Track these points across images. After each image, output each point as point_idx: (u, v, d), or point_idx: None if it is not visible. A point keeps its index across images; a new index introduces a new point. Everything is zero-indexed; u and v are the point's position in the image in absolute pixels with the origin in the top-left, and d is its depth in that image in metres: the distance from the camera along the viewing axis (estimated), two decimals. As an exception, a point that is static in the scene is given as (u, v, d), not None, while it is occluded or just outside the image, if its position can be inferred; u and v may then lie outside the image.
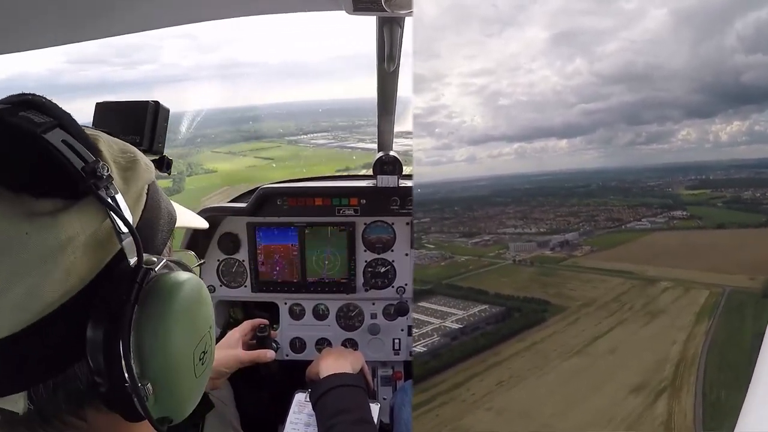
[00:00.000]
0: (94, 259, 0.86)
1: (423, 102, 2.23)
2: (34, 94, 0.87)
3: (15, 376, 0.83)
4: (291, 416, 2.63)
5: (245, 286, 3.42)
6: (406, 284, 3.34)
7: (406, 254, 3.36)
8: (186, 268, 1.02)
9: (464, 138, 2.88)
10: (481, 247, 2.82)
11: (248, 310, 3.72)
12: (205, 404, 2.01)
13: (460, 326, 2.38)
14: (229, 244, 3.37)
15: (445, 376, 2.12)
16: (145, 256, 0.90)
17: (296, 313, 3.48)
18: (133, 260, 0.88)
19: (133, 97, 1.30)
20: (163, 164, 1.31)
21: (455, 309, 2.46)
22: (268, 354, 2.66)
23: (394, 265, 3.36)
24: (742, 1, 2.76)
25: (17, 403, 0.84)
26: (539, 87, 2.92)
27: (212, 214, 3.31)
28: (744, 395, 1.03)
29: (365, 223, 3.32)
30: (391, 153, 3.23)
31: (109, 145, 0.97)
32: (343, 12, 1.96)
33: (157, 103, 1.28)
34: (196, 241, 3.29)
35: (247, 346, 2.74)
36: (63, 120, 0.85)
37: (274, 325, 3.46)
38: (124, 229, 0.87)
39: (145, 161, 1.04)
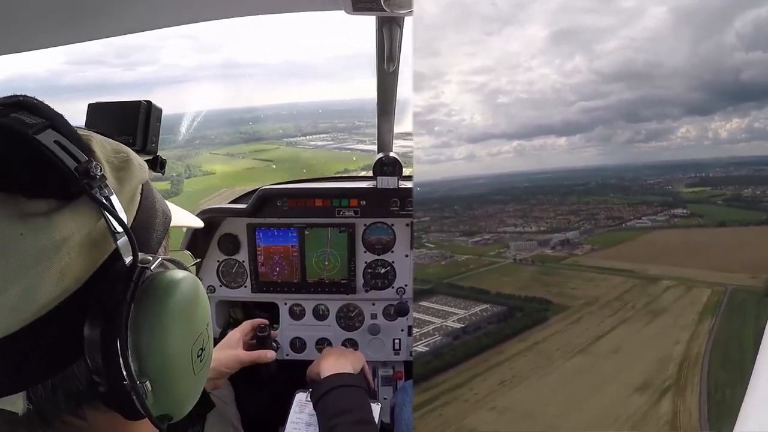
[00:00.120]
0: (89, 260, 0.86)
1: (422, 100, 2.22)
2: (25, 96, 0.86)
3: (13, 377, 0.83)
4: (292, 416, 2.63)
5: (245, 287, 3.42)
6: (406, 285, 3.34)
7: (406, 255, 3.35)
8: (182, 267, 1.02)
9: (463, 136, 2.87)
10: (481, 246, 2.80)
11: (248, 310, 3.71)
12: (206, 404, 2.02)
13: (462, 325, 2.36)
14: (229, 244, 3.37)
15: (448, 376, 2.10)
16: (141, 255, 0.90)
17: (296, 314, 3.48)
18: (128, 259, 0.88)
19: (132, 98, 1.29)
20: (157, 164, 1.30)
21: (457, 308, 2.44)
22: (269, 354, 2.66)
23: (393, 266, 3.35)
24: (741, -2, 2.75)
25: (16, 403, 0.83)
26: (539, 85, 2.91)
27: (212, 215, 3.30)
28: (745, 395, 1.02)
29: (365, 224, 3.32)
30: (391, 154, 3.22)
31: (102, 145, 0.97)
32: (343, 12, 1.95)
33: (149, 102, 1.28)
34: (196, 241, 3.28)
35: (248, 346, 2.74)
36: (55, 121, 0.85)
37: (275, 325, 3.45)
38: (119, 229, 0.87)
39: (139, 161, 1.04)
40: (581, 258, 2.63)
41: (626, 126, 2.95)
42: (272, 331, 2.97)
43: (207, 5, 2.05)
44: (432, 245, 2.76)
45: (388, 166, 3.19)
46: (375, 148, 3.38)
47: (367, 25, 2.34)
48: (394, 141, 3.32)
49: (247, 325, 2.81)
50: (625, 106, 2.91)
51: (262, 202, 3.25)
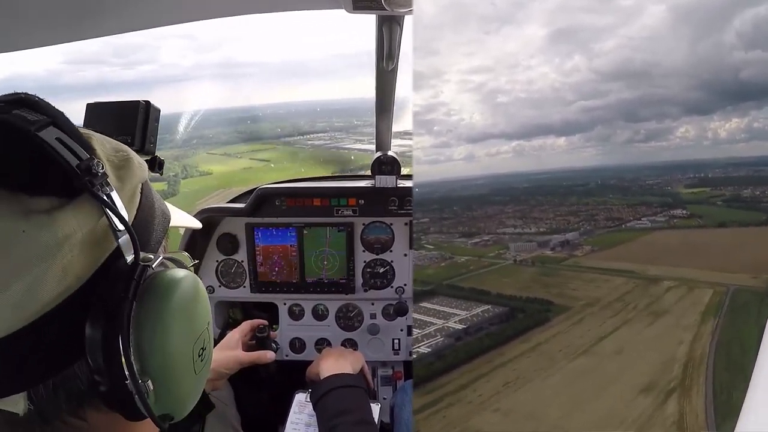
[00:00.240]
0: (91, 257, 0.85)
1: (421, 99, 2.21)
2: (26, 93, 0.86)
3: (14, 377, 0.82)
4: (291, 416, 2.62)
5: (244, 287, 3.40)
6: (405, 284, 3.32)
7: (405, 254, 3.33)
8: (182, 266, 1.01)
9: (463, 136, 2.86)
10: (480, 247, 2.79)
11: (247, 310, 3.69)
12: (206, 405, 1.97)
13: (464, 327, 2.35)
14: (228, 244, 3.35)
15: (451, 377, 2.09)
16: (142, 253, 0.89)
17: (295, 314, 3.46)
18: (129, 258, 0.87)
19: (131, 97, 1.28)
20: (155, 164, 1.29)
21: (458, 309, 2.43)
22: (268, 355, 2.65)
23: (392, 265, 3.34)
24: (740, -3, 2.74)
25: (17, 404, 0.83)
26: (538, 84, 2.90)
27: (210, 215, 3.28)
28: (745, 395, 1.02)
29: (364, 224, 3.30)
30: (390, 153, 3.20)
31: (102, 144, 0.97)
32: (343, 10, 1.94)
33: (147, 102, 1.27)
34: (195, 241, 3.26)
35: (247, 347, 2.73)
36: (56, 118, 0.85)
37: (274, 326, 3.44)
38: (120, 227, 0.86)
39: (139, 160, 1.03)
40: (581, 259, 2.62)
41: (625, 126, 2.94)
42: (271, 332, 2.96)
43: (207, 4, 2.03)
44: (431, 246, 2.75)
45: (387, 165, 3.17)
46: (372, 147, 3.36)
47: (366, 23, 2.33)
48: (392, 140, 3.31)
49: (246, 326, 2.80)
50: (624, 106, 2.90)
51: (261, 202, 3.23)
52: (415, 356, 2.52)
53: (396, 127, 3.24)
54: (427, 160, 2.56)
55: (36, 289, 0.78)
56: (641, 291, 2.39)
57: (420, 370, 2.19)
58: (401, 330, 3.41)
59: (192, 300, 0.95)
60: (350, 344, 3.44)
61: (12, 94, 0.86)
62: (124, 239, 0.87)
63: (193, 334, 0.96)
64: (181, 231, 3.23)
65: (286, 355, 3.48)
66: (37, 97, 0.86)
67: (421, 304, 2.51)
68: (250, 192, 3.33)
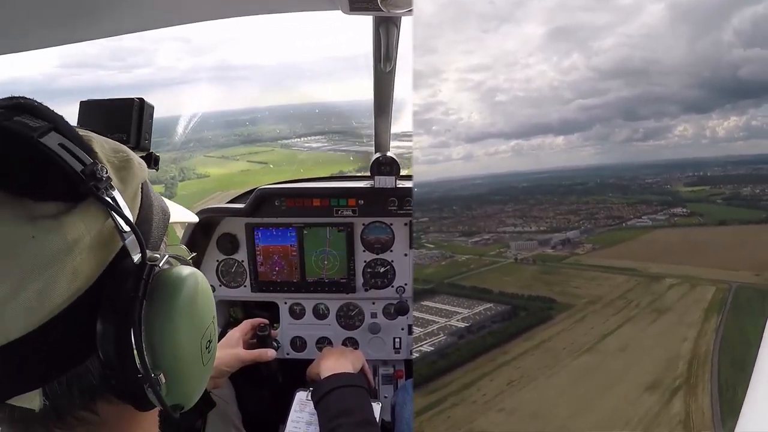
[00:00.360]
0: (98, 259, 0.87)
1: (420, 99, 2.19)
2: (24, 98, 0.87)
3: (30, 375, 0.84)
4: (292, 414, 2.61)
5: (245, 286, 3.38)
6: (405, 284, 3.31)
7: (405, 254, 3.32)
8: (185, 263, 1.05)
9: (461, 135, 2.85)
10: (481, 246, 2.78)
11: (248, 309, 3.68)
12: (207, 403, 2.02)
13: (466, 325, 2.33)
14: (228, 244, 3.33)
15: (454, 376, 2.07)
16: (148, 252, 0.92)
17: (296, 313, 3.44)
18: (136, 257, 0.90)
19: (128, 100, 1.28)
20: (151, 160, 1.29)
21: (460, 308, 2.41)
22: (269, 353, 2.64)
23: (393, 265, 3.32)
24: (739, -5, 2.74)
25: (33, 400, 0.85)
26: (536, 83, 2.88)
27: (210, 215, 3.27)
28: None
29: (363, 224, 3.29)
30: (389, 154, 3.19)
31: (102, 146, 0.97)
32: (339, 12, 1.93)
33: (141, 100, 1.27)
34: (195, 241, 3.24)
35: (248, 345, 2.72)
36: (57, 123, 0.86)
37: (275, 325, 3.42)
38: (126, 228, 0.89)
39: (138, 160, 1.05)
40: (583, 257, 2.60)
41: (624, 124, 2.92)
42: (272, 331, 2.95)
43: (204, 6, 2.01)
44: (432, 245, 2.73)
45: (386, 165, 3.16)
46: (369, 149, 3.35)
47: (363, 25, 2.31)
48: (390, 141, 3.30)
49: (246, 325, 2.79)
50: (623, 104, 2.88)
51: (260, 202, 3.21)
52: (417, 355, 2.50)
53: (393, 129, 3.23)
54: (426, 160, 2.54)
55: (48, 292, 0.80)
56: (643, 288, 2.37)
57: (422, 369, 2.17)
58: (402, 329, 3.40)
59: (198, 295, 0.98)
60: (351, 343, 3.43)
61: (10, 98, 0.86)
62: (131, 240, 0.89)
63: (201, 328, 0.99)
64: (179, 233, 3.21)
65: (287, 354, 3.46)
66: (36, 101, 0.87)
67: (422, 303, 2.49)
68: (250, 192, 3.32)
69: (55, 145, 0.82)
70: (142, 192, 1.02)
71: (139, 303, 0.87)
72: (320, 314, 3.43)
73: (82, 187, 0.83)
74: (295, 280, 3.32)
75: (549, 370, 2.07)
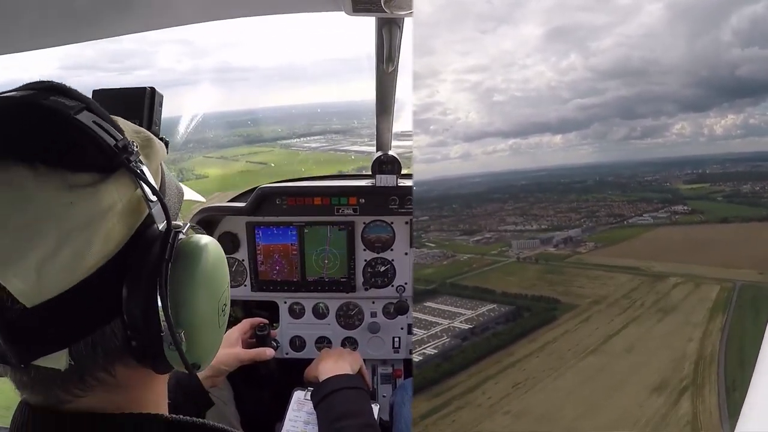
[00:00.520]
0: (128, 225, 0.92)
1: (417, 99, 2.17)
2: (54, 81, 0.92)
3: (60, 334, 0.88)
4: (290, 413, 2.56)
5: (245, 286, 3.34)
6: (405, 283, 3.26)
7: (406, 253, 3.27)
8: (202, 233, 1.09)
9: (459, 134, 2.83)
10: (482, 244, 2.75)
11: (248, 309, 3.63)
12: (205, 402, 2.04)
13: (470, 326, 2.29)
14: (229, 243, 3.28)
15: (459, 379, 2.03)
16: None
17: (296, 312, 3.40)
18: (162, 225, 0.96)
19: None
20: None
21: (463, 308, 2.38)
22: (267, 352, 2.59)
23: (393, 264, 3.28)
24: (736, -5, 2.71)
25: (60, 360, 0.88)
26: (534, 83, 2.86)
27: (211, 214, 3.22)
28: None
29: (364, 223, 3.24)
30: (390, 152, 3.15)
31: (125, 126, 1.03)
32: (343, 13, 1.89)
33: (153, 89, 1.32)
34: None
35: (247, 345, 2.67)
36: (89, 103, 0.92)
37: (274, 324, 3.38)
38: (153, 198, 0.94)
39: (157, 140, 1.10)
40: (585, 256, 2.58)
41: (622, 123, 2.90)
42: (272, 330, 2.90)
43: (207, 7, 1.97)
44: (432, 244, 2.70)
45: (387, 164, 3.11)
46: (369, 149, 3.32)
47: (367, 26, 2.28)
48: (392, 141, 3.26)
49: (245, 324, 2.74)
50: (621, 103, 2.87)
51: (261, 201, 3.16)
52: (420, 358, 2.46)
53: (393, 128, 3.20)
54: (424, 159, 2.52)
55: (83, 254, 0.85)
56: (647, 288, 2.34)
57: (426, 372, 2.13)
58: (401, 328, 3.35)
59: (217, 261, 1.04)
60: (350, 342, 3.38)
61: (41, 81, 0.92)
62: (157, 208, 0.95)
63: (218, 292, 1.05)
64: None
65: (287, 353, 3.42)
66: (65, 84, 0.92)
67: (425, 304, 2.46)
68: (251, 191, 3.28)
69: (90, 122, 0.88)
70: (161, 170, 1.09)
71: (165, 265, 0.92)
72: (320, 313, 3.38)
73: (115, 160, 0.89)
74: (295, 280, 3.28)
75: (554, 372, 2.04)
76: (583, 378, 1.99)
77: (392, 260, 3.22)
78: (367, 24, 2.21)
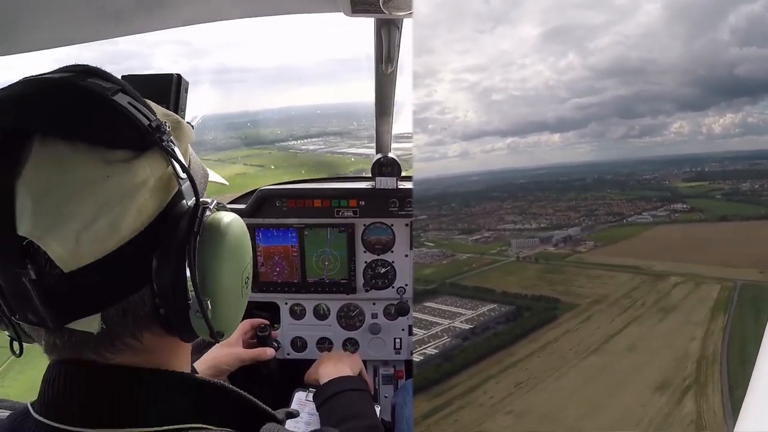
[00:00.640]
0: (159, 200, 0.97)
1: (416, 98, 2.17)
2: (89, 65, 0.98)
3: (94, 299, 0.94)
4: None
5: None
6: (406, 285, 3.25)
7: (406, 255, 3.26)
8: (226, 210, 1.13)
9: (457, 133, 2.82)
10: (481, 243, 2.74)
11: (248, 309, 3.60)
12: None
13: (470, 326, 2.28)
14: (229, 245, 3.27)
15: (460, 379, 2.02)
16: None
17: (297, 313, 3.38)
18: (191, 201, 1.01)
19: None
20: None
21: (463, 308, 2.37)
22: (268, 351, 2.59)
23: (394, 266, 3.26)
24: (734, -6, 2.71)
25: (92, 323, 0.94)
26: (532, 82, 2.86)
27: (211, 216, 3.21)
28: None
29: (364, 225, 3.23)
30: (390, 154, 3.13)
31: (156, 108, 1.08)
32: (342, 14, 1.88)
33: (179, 75, 1.36)
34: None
35: (248, 345, 2.66)
36: (124, 86, 0.97)
37: (275, 325, 3.36)
38: (182, 175, 0.99)
39: (185, 123, 1.16)
40: (585, 255, 2.56)
41: (620, 122, 2.89)
42: (273, 331, 2.89)
43: (208, 7, 1.96)
44: (431, 244, 2.69)
45: (387, 166, 3.10)
46: (366, 151, 3.31)
47: (366, 27, 2.27)
48: (391, 143, 3.24)
49: (246, 324, 2.74)
50: (619, 102, 2.86)
51: (261, 203, 3.15)
52: (420, 358, 2.44)
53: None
54: (422, 158, 2.51)
55: (117, 225, 0.90)
56: (648, 287, 2.33)
57: (427, 372, 2.12)
58: (402, 329, 3.34)
59: (242, 236, 1.09)
60: (352, 343, 3.37)
61: (77, 65, 0.98)
62: (186, 185, 1.00)
63: (242, 264, 1.10)
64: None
65: (288, 354, 3.40)
66: (100, 68, 0.99)
67: (425, 304, 2.45)
68: (251, 193, 3.27)
69: (126, 103, 0.94)
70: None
71: (194, 238, 0.97)
72: (321, 315, 3.37)
73: (148, 138, 0.95)
74: (295, 281, 3.26)
75: (556, 371, 2.02)
76: (586, 377, 1.98)
77: (392, 262, 3.21)
78: (366, 25, 2.20)
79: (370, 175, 3.20)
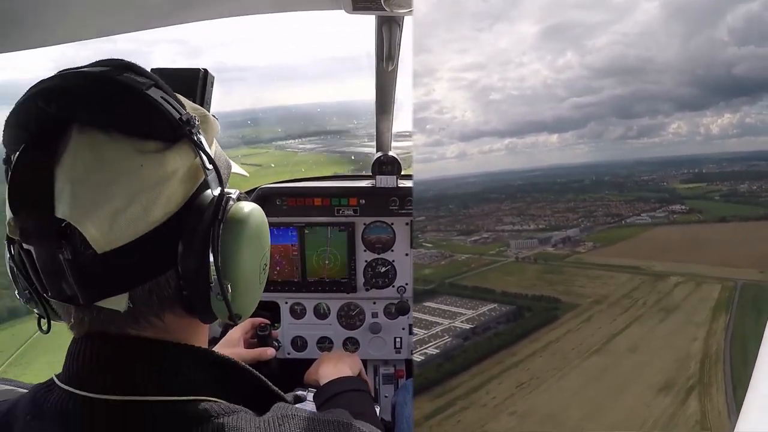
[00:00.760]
0: (186, 189, 1.05)
1: (415, 97, 2.15)
2: (124, 60, 1.06)
3: (123, 278, 1.01)
4: None
5: None
6: (406, 284, 3.24)
7: (406, 254, 3.25)
8: (247, 200, 1.20)
9: (455, 134, 2.81)
10: (480, 244, 2.72)
11: (249, 309, 3.60)
12: None
13: (471, 326, 2.27)
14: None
15: (461, 380, 2.01)
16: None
17: (297, 312, 3.37)
18: (216, 191, 1.08)
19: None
20: None
21: (463, 308, 2.35)
22: (269, 351, 2.58)
23: (394, 264, 3.25)
24: (732, -7, 2.70)
25: (120, 302, 1.01)
26: (530, 81, 2.84)
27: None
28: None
29: (365, 223, 3.22)
30: (390, 153, 3.12)
31: (186, 102, 1.14)
32: (342, 11, 1.86)
33: (206, 70, 1.41)
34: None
35: (248, 345, 2.66)
36: (156, 81, 1.04)
37: (276, 324, 3.35)
38: (209, 166, 1.06)
39: (212, 117, 1.22)
40: (584, 255, 2.55)
41: (618, 122, 2.88)
42: (273, 331, 2.88)
43: (207, 5, 1.94)
44: (430, 244, 2.68)
45: (387, 165, 3.09)
46: (367, 150, 3.30)
47: (366, 25, 2.25)
48: (392, 141, 3.23)
49: (247, 324, 2.73)
50: (617, 102, 2.84)
51: (261, 201, 3.13)
52: (421, 358, 2.42)
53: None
54: (420, 158, 2.49)
55: (149, 210, 0.98)
56: (649, 287, 2.31)
57: (428, 372, 2.10)
58: (403, 329, 3.33)
59: (262, 225, 1.16)
60: (352, 343, 3.36)
61: (113, 59, 1.05)
62: (212, 176, 1.08)
63: (261, 252, 1.17)
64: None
65: (288, 353, 3.39)
66: (135, 63, 1.06)
67: (424, 304, 2.43)
68: (251, 192, 3.25)
69: (159, 97, 1.01)
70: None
71: (218, 225, 1.04)
72: (321, 314, 3.36)
73: (179, 131, 1.02)
74: (295, 280, 3.25)
75: (558, 371, 2.01)
76: (588, 378, 1.96)
77: (393, 261, 3.21)
78: (367, 22, 2.19)
79: (370, 173, 3.19)
